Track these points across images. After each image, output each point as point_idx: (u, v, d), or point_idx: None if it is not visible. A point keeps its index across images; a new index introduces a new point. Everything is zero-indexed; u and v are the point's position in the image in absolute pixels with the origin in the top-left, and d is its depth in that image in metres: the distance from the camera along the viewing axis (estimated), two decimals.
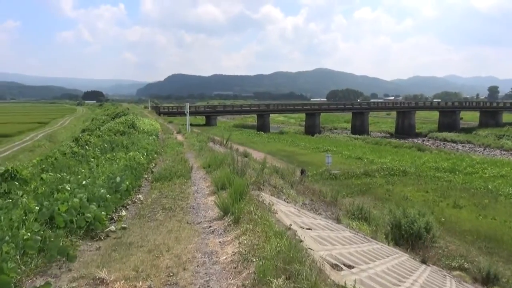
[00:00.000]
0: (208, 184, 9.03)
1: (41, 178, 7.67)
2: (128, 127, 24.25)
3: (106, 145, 13.82)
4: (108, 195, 5.94)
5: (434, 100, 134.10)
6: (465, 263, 9.51)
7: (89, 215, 4.82)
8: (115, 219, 5.75)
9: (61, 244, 3.96)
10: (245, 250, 3.96)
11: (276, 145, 37.53)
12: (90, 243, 4.59)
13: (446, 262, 9.47)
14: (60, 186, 5.79)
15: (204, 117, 69.27)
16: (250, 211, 5.51)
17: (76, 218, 4.72)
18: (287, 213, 6.59)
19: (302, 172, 20.86)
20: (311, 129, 65.20)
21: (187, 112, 31.16)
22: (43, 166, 8.91)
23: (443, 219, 12.97)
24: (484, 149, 51.12)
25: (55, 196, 5.43)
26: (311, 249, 4.24)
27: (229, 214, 5.63)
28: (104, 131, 22.94)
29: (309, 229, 5.82)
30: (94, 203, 5.41)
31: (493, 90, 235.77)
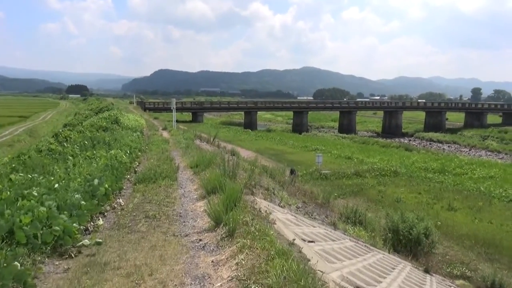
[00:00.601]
0: (196, 186, 8.32)
1: (10, 180, 6.84)
2: (112, 122, 23.27)
3: (86, 142, 12.94)
4: (83, 202, 5.18)
5: (419, 100, 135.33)
6: (467, 271, 9.04)
7: (57, 228, 4.07)
8: (90, 229, 5.01)
9: (19, 267, 3.22)
10: (244, 275, 3.29)
11: (264, 143, 36.90)
12: (57, 262, 3.85)
13: (448, 270, 8.99)
14: (26, 191, 5.00)
15: (191, 113, 68.19)
16: (246, 221, 4.83)
17: (41, 232, 3.97)
18: (285, 221, 5.94)
19: (292, 172, 20.28)
20: (299, 127, 64.77)
21: (173, 108, 30.26)
22: (13, 165, 8.07)
23: (439, 222, 12.53)
24: (469, 150, 51.47)
25: (19, 203, 4.66)
26: (321, 272, 3.60)
27: (222, 224, 4.95)
28: (86, 127, 21.93)
29: (312, 241, 5.19)
30: (65, 212, 4.66)
31: (476, 92, 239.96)
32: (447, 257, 10.16)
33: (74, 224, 4.37)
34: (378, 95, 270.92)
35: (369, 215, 13.03)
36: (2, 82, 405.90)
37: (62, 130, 20.33)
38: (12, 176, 6.94)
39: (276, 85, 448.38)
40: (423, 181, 19.74)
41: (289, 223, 5.97)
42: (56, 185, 5.99)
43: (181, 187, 8.38)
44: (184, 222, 5.50)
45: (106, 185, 6.80)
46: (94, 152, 10.96)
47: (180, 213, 5.99)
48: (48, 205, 4.60)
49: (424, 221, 10.28)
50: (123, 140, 15.09)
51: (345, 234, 8.15)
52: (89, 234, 4.90)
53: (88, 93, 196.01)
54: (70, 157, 10.65)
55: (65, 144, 12.47)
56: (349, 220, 11.79)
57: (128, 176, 9.56)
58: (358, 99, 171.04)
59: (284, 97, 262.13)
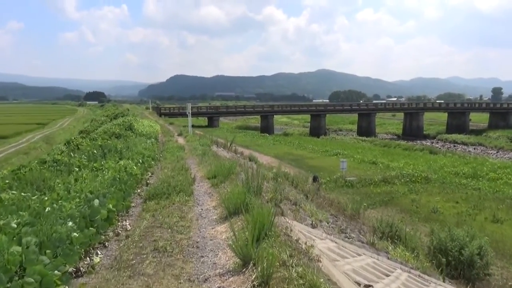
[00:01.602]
0: (215, 203, 7.19)
1: (0, 199, 5.84)
2: (126, 129, 22.42)
3: (95, 151, 11.98)
4: (75, 233, 4.09)
5: (438, 101, 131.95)
6: None
7: (31, 279, 2.98)
8: (83, 270, 3.91)
9: None
10: None
11: (282, 148, 35.64)
12: None
13: None
14: (2, 223, 3.94)
15: (206, 118, 67.45)
16: (283, 261, 3.67)
17: (8, 287, 2.89)
18: (329, 253, 4.75)
19: (315, 179, 19.02)
20: (316, 130, 63.25)
21: (189, 113, 29.33)
22: (7, 181, 7.12)
23: (486, 237, 11.09)
24: (497, 152, 49.14)
25: None
26: None
27: (251, 264, 3.79)
28: (99, 134, 21.12)
29: (370, 286, 3.99)
30: (48, 250, 3.58)
31: (497, 91, 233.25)
32: (504, 281, 8.75)
33: (57, 271, 3.27)
34: (395, 97, 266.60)
35: (406, 229, 11.71)
36: (22, 91, 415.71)
37: (74, 138, 19.55)
38: (3, 195, 5.93)
39: (291, 88, 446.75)
40: (458, 188, 18.18)
41: (333, 255, 4.78)
42: (48, 209, 4.93)
43: (198, 204, 7.26)
44: (202, 256, 4.35)
45: (110, 205, 5.73)
46: (103, 162, 9.97)
47: (197, 242, 4.86)
48: (26, 242, 3.52)
49: (476, 238, 8.91)
50: (135, 148, 14.13)
51: (392, 260, 6.89)
52: (81, 276, 3.81)
53: (105, 100, 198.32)
54: (77, 168, 9.69)
55: (72, 154, 11.53)
56: (384, 235, 10.49)
57: (139, 190, 8.51)
58: (375, 101, 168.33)
59: (299, 100, 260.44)
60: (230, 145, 26.37)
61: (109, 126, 24.82)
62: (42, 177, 7.75)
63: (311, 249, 4.26)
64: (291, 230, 4.92)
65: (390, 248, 8.83)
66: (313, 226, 7.42)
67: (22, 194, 6.13)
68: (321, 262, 4.01)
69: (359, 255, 5.62)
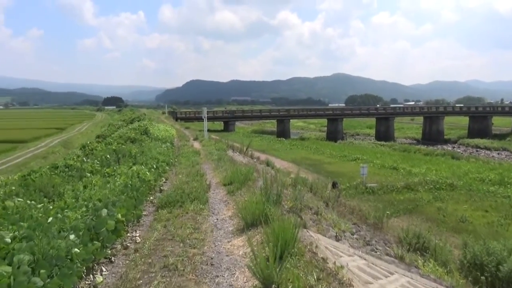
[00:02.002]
0: (231, 212, 6.71)
1: (3, 207, 5.49)
2: (141, 133, 22.24)
3: (108, 156, 11.67)
4: (77, 249, 3.66)
5: (457, 105, 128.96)
6: None
7: None
8: None
9: None
10: None
11: (299, 153, 34.99)
12: None
13: None
14: None
15: (222, 122, 67.31)
16: (310, 285, 3.16)
17: None
18: (359, 273, 4.21)
19: (334, 185, 18.39)
20: (333, 135, 62.33)
21: (204, 117, 29.05)
22: (13, 188, 6.81)
23: None
24: None
25: None
26: None
27: None
28: (115, 138, 20.97)
29: None
30: (43, 270, 3.15)
31: None
32: None
33: None
34: (412, 101, 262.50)
35: (434, 240, 11.00)
36: (43, 96, 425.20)
37: (89, 142, 19.42)
38: (8, 203, 5.58)
39: (307, 92, 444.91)
40: (486, 196, 17.25)
41: (364, 276, 4.23)
42: (50, 219, 4.53)
43: (213, 213, 6.80)
44: (217, 276, 3.86)
45: (119, 215, 5.31)
46: (115, 168, 9.61)
47: (211, 258, 4.37)
48: (18, 260, 3.09)
49: None
50: (150, 153, 13.80)
51: (426, 278, 6.27)
52: None
53: (123, 105, 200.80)
54: (89, 174, 9.36)
55: (84, 159, 11.24)
56: (411, 247, 9.83)
57: (152, 198, 8.10)
58: (393, 105, 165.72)
59: (315, 104, 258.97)
60: (246, 149, 25.93)
61: (124, 131, 24.72)
62: (51, 183, 7.41)
63: (341, 270, 3.73)
64: (316, 247, 4.39)
65: (420, 262, 8.20)
66: (338, 239, 6.87)
67: (28, 202, 5.76)
68: (353, 287, 3.48)
69: (391, 273, 5.05)
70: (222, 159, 15.30)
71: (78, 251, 3.65)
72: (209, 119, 57.83)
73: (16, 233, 3.79)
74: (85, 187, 7.03)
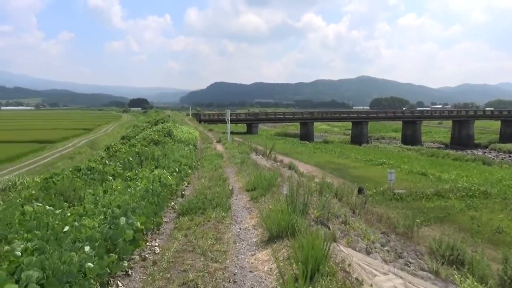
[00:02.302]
0: (255, 221, 6.38)
1: (22, 213, 5.34)
2: (164, 135, 22.25)
3: (131, 159, 11.56)
4: (91, 263, 3.41)
5: (488, 108, 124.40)
6: None
7: None
8: None
9: None
10: None
11: (323, 157, 34.36)
12: None
13: None
14: (4, 249, 3.32)
15: (245, 124, 67.20)
16: None
17: None
18: None
19: (360, 190, 17.79)
20: (358, 138, 61.14)
21: (228, 119, 28.89)
22: (33, 192, 6.71)
23: None
24: None
25: None
26: None
27: None
28: (139, 140, 21.04)
29: None
30: (52, 287, 2.90)
31: None
32: None
33: None
34: (440, 104, 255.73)
35: (469, 252, 10.35)
36: (71, 98, 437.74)
37: (114, 144, 19.52)
38: (27, 208, 5.43)
39: (331, 95, 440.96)
40: None
41: None
42: (67, 228, 4.31)
43: (236, 221, 6.48)
44: None
45: (138, 223, 5.06)
46: (137, 171, 9.46)
47: (234, 274, 4.05)
48: (26, 277, 2.86)
49: None
50: (173, 156, 13.65)
51: None
52: None
53: (148, 106, 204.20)
54: (111, 177, 9.24)
55: (107, 161, 11.17)
56: (444, 259, 9.23)
57: (173, 203, 7.86)
58: (420, 108, 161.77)
59: (339, 107, 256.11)
60: (270, 153, 25.59)
61: (148, 132, 24.83)
62: (72, 186, 7.28)
63: None
64: (349, 265, 4.00)
65: (457, 277, 7.64)
66: (368, 252, 6.43)
67: (47, 207, 5.60)
68: None
69: None
70: (245, 162, 15.02)
71: (92, 265, 3.39)
72: (232, 121, 57.83)
73: (29, 243, 3.57)
74: (105, 192, 6.86)
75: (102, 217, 4.90)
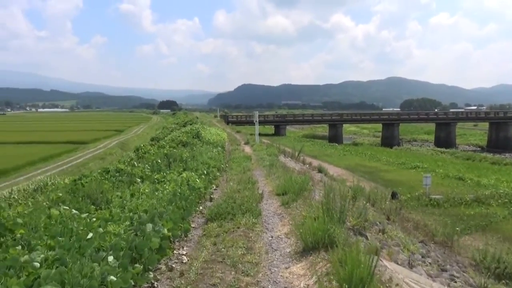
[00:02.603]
0: (287, 229, 6.01)
1: (48, 216, 5.19)
2: (193, 137, 22.21)
3: (159, 161, 11.43)
4: (113, 276, 3.14)
5: None
6: None
7: None
8: None
9: None
10: None
11: (353, 159, 33.53)
12: None
13: None
14: (23, 259, 3.11)
15: (273, 126, 66.84)
16: None
17: None
18: None
19: (394, 195, 17.07)
20: (389, 140, 59.52)
21: (256, 121, 28.64)
22: (60, 194, 6.60)
23: None
24: None
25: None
26: None
27: None
28: (167, 141, 21.08)
29: None
30: None
31: None
32: None
33: None
34: (474, 105, 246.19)
35: None
36: (104, 100, 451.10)
37: (143, 145, 19.61)
38: (53, 211, 5.28)
39: (360, 96, 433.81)
40: None
41: None
42: (91, 235, 4.09)
43: (267, 229, 6.13)
44: None
45: (166, 230, 4.80)
46: (165, 174, 9.28)
47: None
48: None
49: None
50: (201, 158, 13.47)
51: None
52: None
53: (177, 108, 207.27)
54: (139, 179, 9.10)
55: (135, 163, 11.08)
56: (490, 272, 8.56)
57: (201, 208, 7.60)
58: (452, 110, 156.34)
59: (368, 108, 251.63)
60: (298, 155, 25.10)
61: (177, 134, 24.90)
62: (100, 188, 7.15)
63: None
64: (397, 285, 3.56)
65: None
66: (411, 265, 5.94)
67: (73, 210, 5.44)
68: None
69: None
70: (274, 165, 14.66)
71: (115, 279, 3.12)
72: (260, 123, 57.70)
73: (50, 252, 3.35)
74: (132, 195, 6.67)
75: (128, 222, 4.66)
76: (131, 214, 5.29)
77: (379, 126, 68.60)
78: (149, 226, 4.49)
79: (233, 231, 5.76)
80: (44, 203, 6.04)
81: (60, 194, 6.59)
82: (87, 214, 5.23)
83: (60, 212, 5.37)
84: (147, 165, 10.50)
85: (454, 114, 71.98)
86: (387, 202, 13.76)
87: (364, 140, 67.08)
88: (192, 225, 6.36)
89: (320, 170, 21.90)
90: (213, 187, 10.15)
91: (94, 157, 37.56)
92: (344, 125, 68.51)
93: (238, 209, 6.88)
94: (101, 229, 4.36)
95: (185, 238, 5.62)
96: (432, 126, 68.67)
